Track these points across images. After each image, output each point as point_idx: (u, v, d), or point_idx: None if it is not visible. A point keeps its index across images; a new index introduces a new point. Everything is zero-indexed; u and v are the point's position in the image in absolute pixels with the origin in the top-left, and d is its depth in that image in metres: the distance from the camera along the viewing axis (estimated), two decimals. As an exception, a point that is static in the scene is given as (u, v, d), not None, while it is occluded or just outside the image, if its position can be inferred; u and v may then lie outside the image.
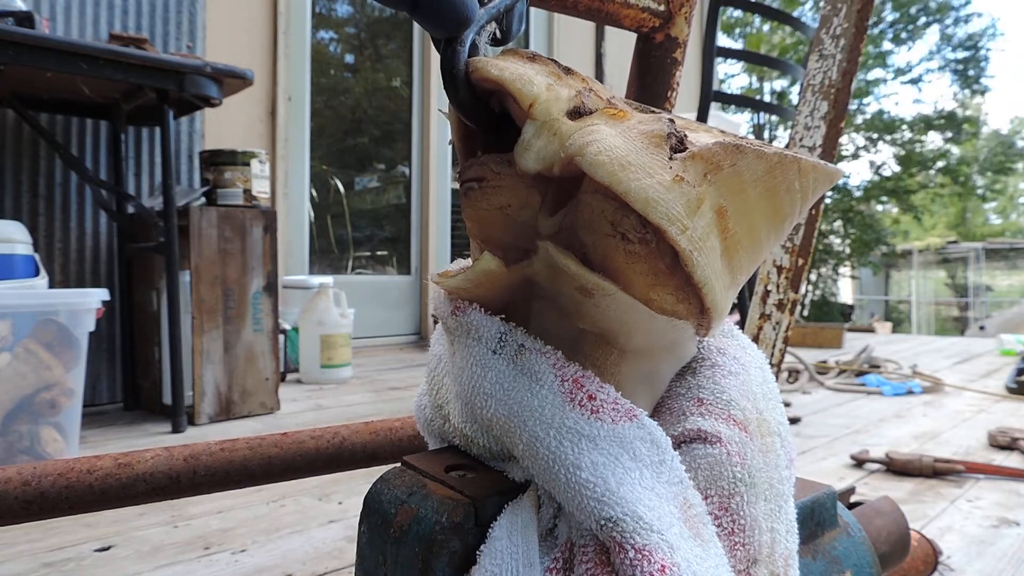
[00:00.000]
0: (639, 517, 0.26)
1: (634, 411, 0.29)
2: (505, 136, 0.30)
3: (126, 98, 1.73)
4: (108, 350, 1.89)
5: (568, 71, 0.30)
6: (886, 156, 10.25)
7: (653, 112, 0.32)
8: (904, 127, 9.68)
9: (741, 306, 1.60)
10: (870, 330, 5.69)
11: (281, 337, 2.25)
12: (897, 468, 1.33)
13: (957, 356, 3.42)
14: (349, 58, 3.47)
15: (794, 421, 1.82)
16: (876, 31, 9.57)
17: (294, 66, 2.79)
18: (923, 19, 9.82)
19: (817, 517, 0.40)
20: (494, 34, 0.32)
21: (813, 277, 9.68)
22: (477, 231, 0.31)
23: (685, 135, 0.28)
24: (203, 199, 1.72)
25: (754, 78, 9.86)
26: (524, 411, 0.29)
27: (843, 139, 9.28)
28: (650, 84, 0.72)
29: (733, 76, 10.48)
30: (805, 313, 9.04)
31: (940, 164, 10.03)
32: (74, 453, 1.30)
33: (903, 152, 9.81)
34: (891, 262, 12.19)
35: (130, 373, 1.87)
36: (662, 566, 0.25)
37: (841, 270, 10.64)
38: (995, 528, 1.05)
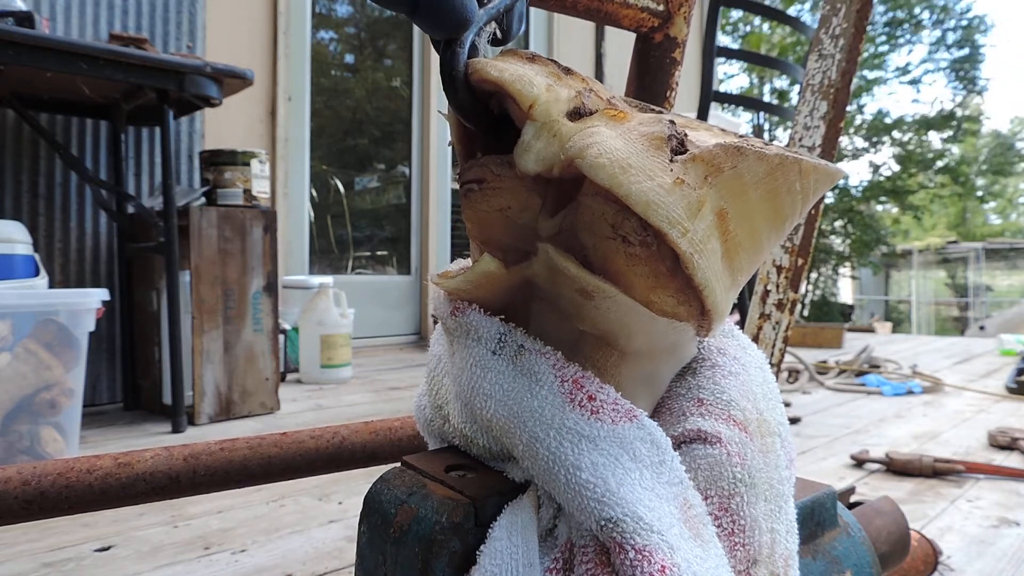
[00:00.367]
0: (639, 517, 0.26)
1: (634, 412, 0.29)
2: (505, 137, 0.30)
3: (126, 98, 1.73)
4: (108, 350, 1.89)
5: (568, 71, 0.30)
6: (886, 156, 10.25)
7: (654, 111, 0.32)
8: (904, 127, 9.69)
9: (741, 306, 1.60)
10: (870, 330, 5.69)
11: (281, 337, 2.25)
12: (897, 468, 1.33)
13: (957, 356, 3.42)
14: (349, 58, 3.47)
15: (794, 421, 1.82)
16: (873, 32, 9.58)
17: (294, 66, 2.79)
18: (925, 17, 9.82)
19: (817, 517, 0.40)
20: (494, 34, 0.31)
21: (813, 277, 9.68)
22: (477, 232, 0.31)
23: (686, 135, 0.28)
24: (203, 199, 1.72)
25: (754, 77, 9.86)
26: (524, 412, 0.29)
27: (843, 140, 9.28)
28: (649, 84, 0.72)
29: (733, 76, 10.48)
30: (805, 313, 9.04)
31: (940, 164, 10.04)
32: (74, 453, 1.30)
33: (903, 152, 9.81)
34: (891, 262, 12.19)
35: (130, 373, 1.87)
36: (662, 566, 0.25)
37: (841, 270, 10.64)
38: (995, 528, 1.05)
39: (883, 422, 1.82)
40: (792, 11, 9.05)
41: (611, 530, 0.26)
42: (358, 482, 1.24)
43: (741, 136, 0.31)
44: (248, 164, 1.75)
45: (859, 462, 1.38)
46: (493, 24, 0.31)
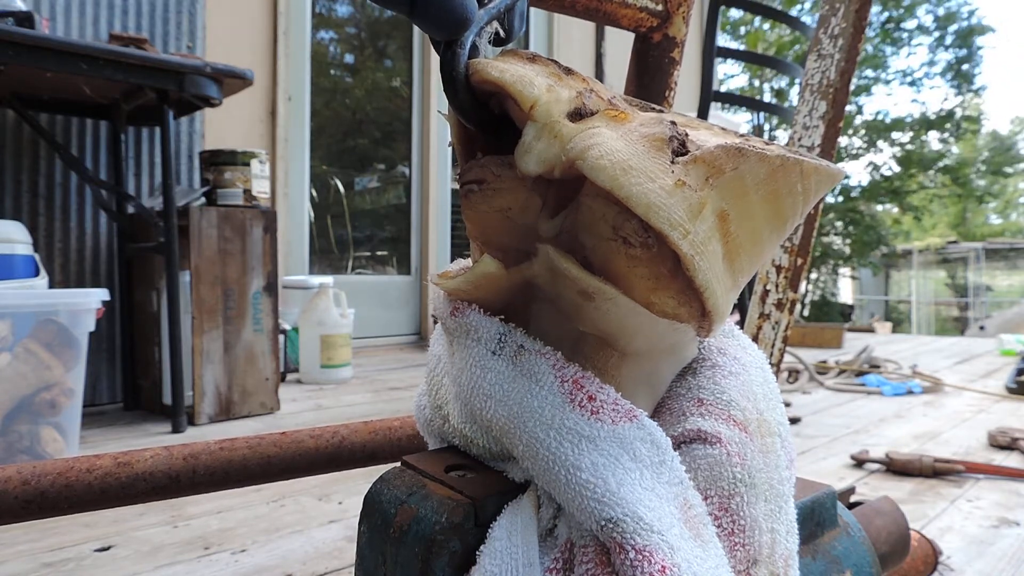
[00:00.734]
0: (639, 518, 0.26)
1: (634, 412, 0.29)
2: (505, 138, 0.30)
3: (126, 98, 1.73)
4: (108, 350, 1.89)
5: (569, 71, 0.30)
6: (886, 156, 10.24)
7: (655, 111, 0.32)
8: (904, 127, 9.69)
9: (741, 306, 1.60)
10: (870, 330, 5.69)
11: (281, 337, 2.25)
12: (897, 468, 1.33)
13: (957, 356, 3.42)
14: (349, 58, 3.47)
15: (794, 421, 1.82)
16: (872, 33, 9.58)
17: (294, 66, 2.79)
18: (928, 21, 9.83)
19: (817, 517, 0.40)
20: (496, 34, 0.31)
21: (813, 277, 9.68)
22: (477, 233, 0.31)
23: (687, 136, 0.28)
24: (203, 199, 1.72)
25: (755, 79, 9.86)
26: (524, 412, 0.29)
27: (843, 140, 9.28)
28: (648, 84, 0.72)
29: (733, 76, 10.48)
30: (805, 313, 9.04)
31: (940, 164, 10.04)
32: (74, 453, 1.30)
33: (903, 153, 9.81)
34: (891, 262, 12.19)
35: (130, 373, 1.87)
36: (662, 567, 0.25)
37: (841, 270, 10.64)
38: (995, 528, 1.05)
39: (883, 422, 1.82)
40: (792, 11, 9.04)
41: (611, 530, 0.26)
42: (358, 482, 1.24)
43: (742, 136, 0.31)
44: (248, 164, 1.75)
45: (859, 462, 1.38)
46: (494, 24, 0.31)
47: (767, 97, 9.53)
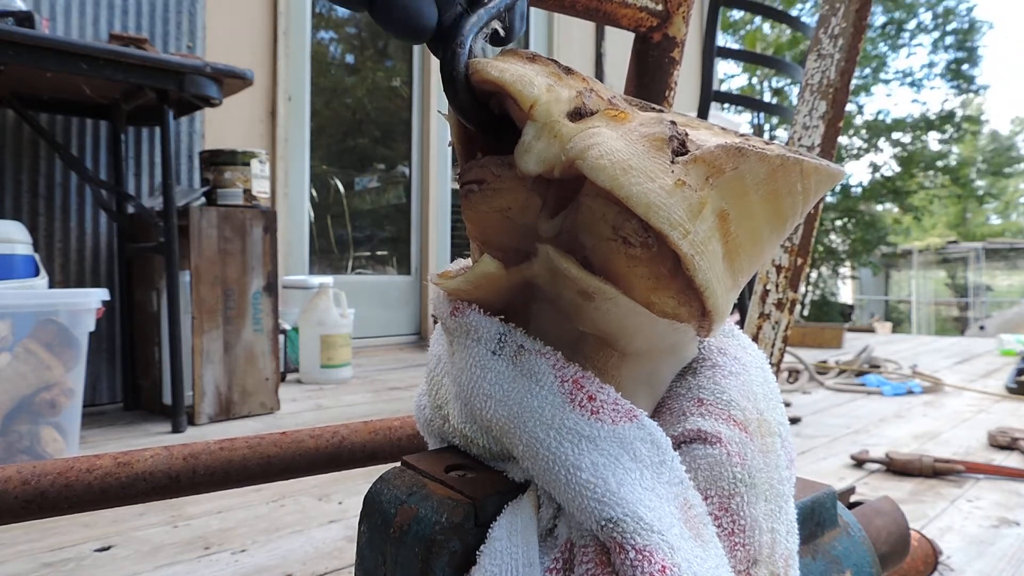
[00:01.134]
0: (639, 518, 0.26)
1: (634, 412, 0.29)
2: (505, 138, 0.29)
3: (126, 98, 1.73)
4: (108, 350, 1.89)
5: (569, 71, 0.30)
6: (886, 156, 10.23)
7: (655, 111, 0.32)
8: (904, 127, 9.69)
9: (741, 305, 1.60)
10: (870, 330, 5.69)
11: (281, 337, 2.25)
12: (897, 468, 1.33)
13: (957, 356, 3.42)
14: (349, 58, 3.47)
15: (794, 421, 1.82)
16: (872, 34, 9.58)
17: (294, 66, 2.79)
18: (927, 20, 9.82)
19: (817, 517, 0.40)
20: (496, 33, 0.31)
21: (813, 277, 9.67)
22: (477, 233, 0.31)
23: (687, 135, 0.28)
24: (203, 199, 1.72)
25: (755, 80, 9.86)
26: (524, 412, 0.29)
27: (843, 140, 9.28)
28: (648, 83, 0.72)
29: (733, 76, 10.48)
30: (805, 313, 9.04)
31: (940, 164, 10.03)
32: (74, 453, 1.30)
33: (904, 153, 9.81)
34: (891, 262, 12.19)
35: (130, 373, 1.87)
36: (662, 567, 0.25)
37: (841, 270, 10.64)
38: (995, 528, 1.05)
39: (883, 422, 1.82)
40: (792, 11, 9.04)
41: (611, 530, 0.26)
42: (358, 482, 1.24)
43: (742, 135, 0.31)
44: (248, 164, 1.75)
45: (859, 462, 1.38)
46: (495, 23, 0.31)
47: (767, 97, 9.53)
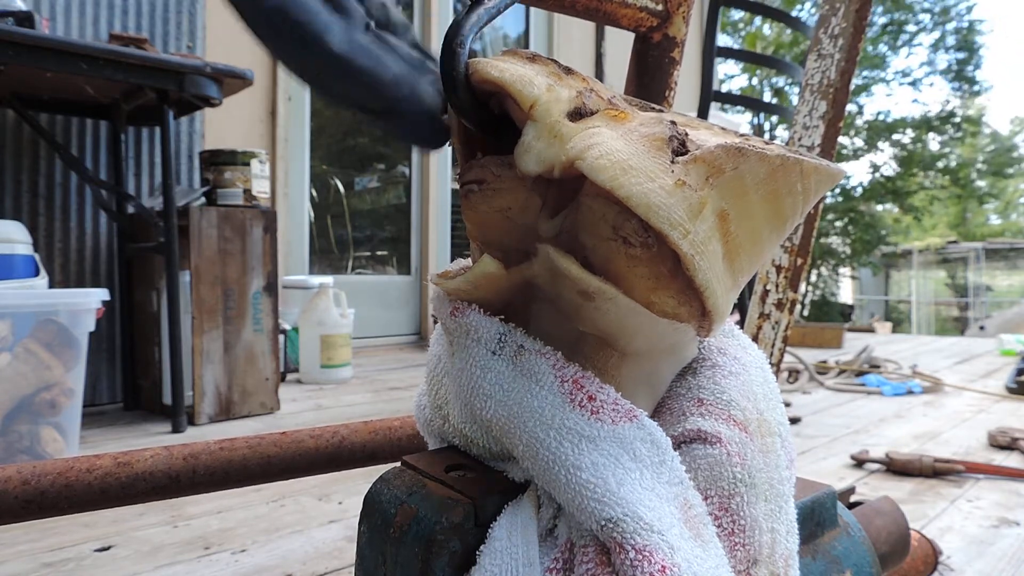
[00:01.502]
0: (639, 517, 0.26)
1: (634, 412, 0.29)
2: (505, 138, 0.29)
3: (126, 98, 1.73)
4: (108, 350, 1.89)
5: (569, 71, 0.30)
6: (887, 157, 10.22)
7: (654, 110, 0.32)
8: (904, 127, 9.68)
9: (741, 305, 1.60)
10: (870, 330, 5.69)
11: (281, 337, 2.25)
12: (897, 468, 1.33)
13: (957, 356, 3.42)
14: (349, 58, 3.47)
15: (794, 421, 1.82)
16: (872, 35, 9.57)
17: (294, 66, 2.79)
18: (926, 19, 9.82)
19: (817, 517, 0.40)
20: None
21: (813, 277, 9.67)
22: (477, 233, 0.31)
23: (687, 135, 0.28)
24: (203, 199, 1.72)
25: (755, 80, 9.85)
26: (524, 412, 0.29)
27: (843, 140, 9.27)
28: (648, 83, 0.71)
29: (733, 76, 10.47)
30: (805, 313, 9.04)
31: (940, 165, 10.03)
32: (74, 453, 1.30)
33: (904, 154, 9.81)
34: (891, 262, 12.19)
35: (130, 373, 1.87)
36: (662, 566, 0.25)
37: (841, 270, 10.63)
38: (995, 528, 1.05)
39: (883, 422, 1.82)
40: (792, 11, 9.03)
41: (611, 530, 0.26)
42: (358, 482, 1.24)
43: (742, 135, 0.31)
44: (248, 164, 1.75)
45: (859, 462, 1.38)
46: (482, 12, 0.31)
47: (767, 97, 9.53)
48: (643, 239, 0.27)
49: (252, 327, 1.74)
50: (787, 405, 2.01)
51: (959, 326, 10.98)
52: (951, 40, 9.82)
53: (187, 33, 2.02)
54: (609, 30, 3.88)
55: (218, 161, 1.74)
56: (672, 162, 0.27)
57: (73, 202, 1.85)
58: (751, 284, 1.08)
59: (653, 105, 0.33)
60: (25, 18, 1.44)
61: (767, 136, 8.66)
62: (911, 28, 9.89)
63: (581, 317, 0.30)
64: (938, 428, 1.76)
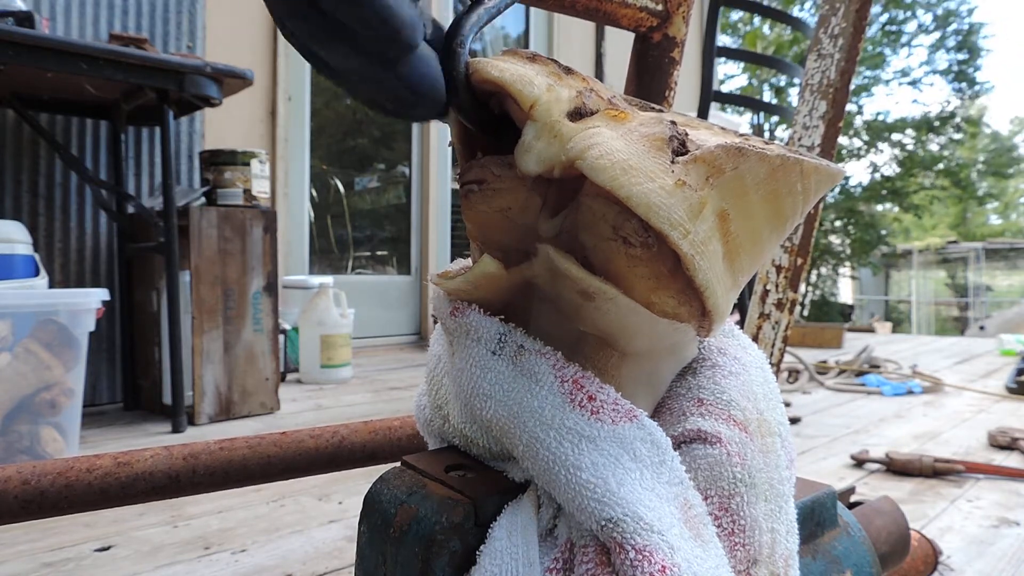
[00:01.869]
0: (639, 518, 0.26)
1: (634, 412, 0.29)
2: (505, 138, 0.29)
3: (126, 98, 1.73)
4: (108, 350, 1.89)
5: (569, 71, 0.30)
6: (887, 157, 10.21)
7: (654, 110, 0.32)
8: (904, 127, 9.68)
9: (741, 305, 1.60)
10: (870, 330, 5.69)
11: (281, 337, 2.25)
12: (897, 468, 1.33)
13: (957, 356, 3.42)
14: (349, 58, 3.47)
15: (794, 421, 1.82)
16: (872, 35, 9.57)
17: (294, 66, 2.79)
18: (927, 20, 9.81)
19: (817, 517, 0.40)
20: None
21: (813, 277, 9.67)
22: (477, 233, 0.31)
23: (687, 135, 0.28)
24: (203, 199, 1.72)
25: (755, 80, 9.85)
26: (524, 412, 0.29)
27: (843, 140, 9.27)
28: (648, 83, 0.71)
29: (733, 76, 10.47)
30: (805, 313, 9.03)
31: (940, 166, 10.03)
32: (74, 453, 1.30)
33: (904, 154, 9.80)
34: (891, 262, 12.18)
35: (130, 373, 1.87)
36: (662, 566, 0.25)
37: (841, 270, 10.63)
38: (995, 528, 1.05)
39: (883, 422, 1.82)
40: (792, 11, 9.03)
41: (611, 530, 0.26)
42: (358, 482, 1.24)
43: (742, 135, 0.31)
44: (248, 164, 1.75)
45: (859, 462, 1.38)
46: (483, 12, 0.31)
47: (767, 97, 9.53)
48: (643, 239, 0.27)
49: (252, 327, 1.74)
50: (787, 405, 2.01)
51: (959, 326, 10.98)
52: (951, 42, 9.82)
53: (187, 33, 2.02)
54: (609, 30, 3.88)
55: (218, 161, 1.74)
56: (672, 162, 0.27)
57: (73, 202, 1.85)
58: (751, 284, 1.08)
59: (653, 105, 0.33)
60: (25, 18, 1.44)
61: (767, 136, 8.65)
62: (911, 28, 9.89)
63: (581, 317, 0.30)
64: (938, 428, 1.76)
